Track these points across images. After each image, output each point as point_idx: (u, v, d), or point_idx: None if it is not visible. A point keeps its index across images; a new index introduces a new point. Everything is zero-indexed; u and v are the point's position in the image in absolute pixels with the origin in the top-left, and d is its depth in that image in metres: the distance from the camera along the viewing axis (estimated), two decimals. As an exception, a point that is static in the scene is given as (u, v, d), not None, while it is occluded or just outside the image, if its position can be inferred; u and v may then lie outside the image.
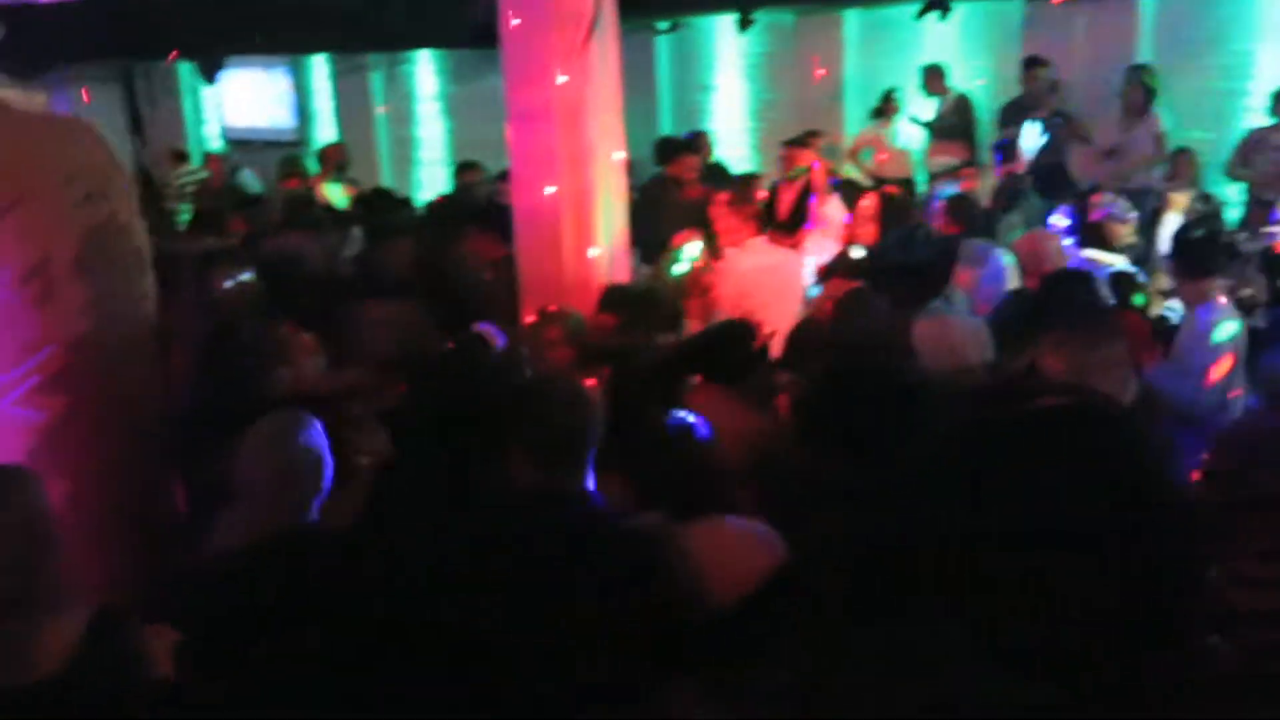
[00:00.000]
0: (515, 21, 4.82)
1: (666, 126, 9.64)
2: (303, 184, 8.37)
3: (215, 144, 12.03)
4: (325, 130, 11.45)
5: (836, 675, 1.34)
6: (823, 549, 2.11)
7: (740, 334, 3.78)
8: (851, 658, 1.34)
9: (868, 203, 5.92)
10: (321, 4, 8.19)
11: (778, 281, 5.16)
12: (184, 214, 8.87)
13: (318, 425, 2.92)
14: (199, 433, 3.36)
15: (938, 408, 2.53)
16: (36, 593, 2.30)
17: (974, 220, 5.81)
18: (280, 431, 2.87)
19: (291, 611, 2.07)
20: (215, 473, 3.03)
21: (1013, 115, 7.63)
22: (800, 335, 4.23)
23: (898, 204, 5.97)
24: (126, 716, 2.30)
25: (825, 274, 5.15)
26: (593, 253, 4.95)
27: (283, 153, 9.60)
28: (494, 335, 3.91)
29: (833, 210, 6.42)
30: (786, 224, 6.49)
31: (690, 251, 5.35)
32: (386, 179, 10.03)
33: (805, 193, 6.58)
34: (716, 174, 7.67)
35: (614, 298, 4.51)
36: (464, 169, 7.40)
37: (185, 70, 11.81)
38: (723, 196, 5.47)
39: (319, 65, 11.55)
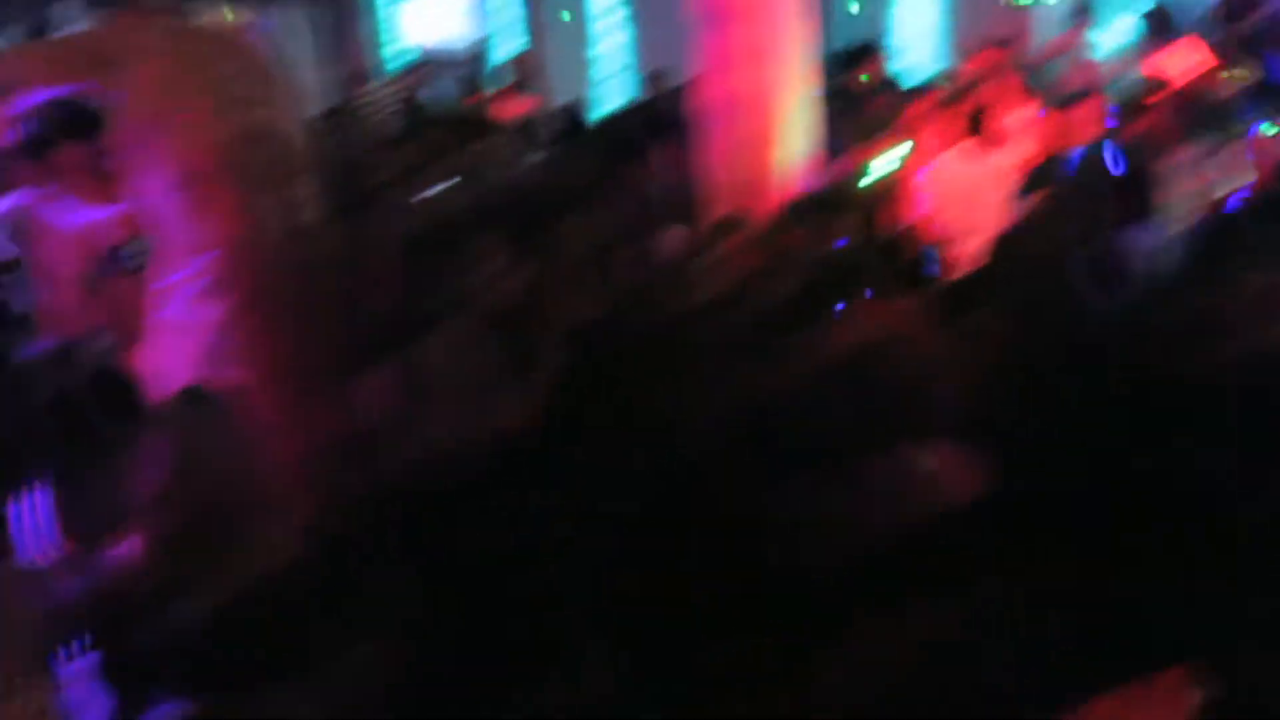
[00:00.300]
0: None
1: (842, 36, 9.29)
2: (485, 98, 8.41)
3: (400, 62, 12.25)
4: (508, 45, 11.50)
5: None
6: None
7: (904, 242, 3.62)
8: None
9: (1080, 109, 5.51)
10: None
11: (983, 189, 4.92)
12: (374, 130, 9.07)
13: (501, 335, 2.90)
14: (388, 336, 3.41)
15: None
16: (249, 498, 2.37)
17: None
18: (468, 337, 2.86)
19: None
20: (402, 374, 3.06)
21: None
22: (1005, 247, 3.99)
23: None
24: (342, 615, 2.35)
25: (1032, 183, 4.85)
26: (779, 158, 4.79)
27: (465, 69, 9.70)
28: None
29: (1028, 118, 6.05)
30: (985, 130, 6.14)
31: (887, 159, 5.13)
32: (569, 92, 9.99)
33: (1001, 100, 6.21)
34: (894, 85, 7.33)
35: (801, 205, 4.37)
36: (653, 78, 7.28)
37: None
38: (925, 100, 5.22)
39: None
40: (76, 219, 3.79)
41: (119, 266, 3.91)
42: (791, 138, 4.82)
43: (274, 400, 3.33)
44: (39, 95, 3.57)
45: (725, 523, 2.13)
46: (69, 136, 3.73)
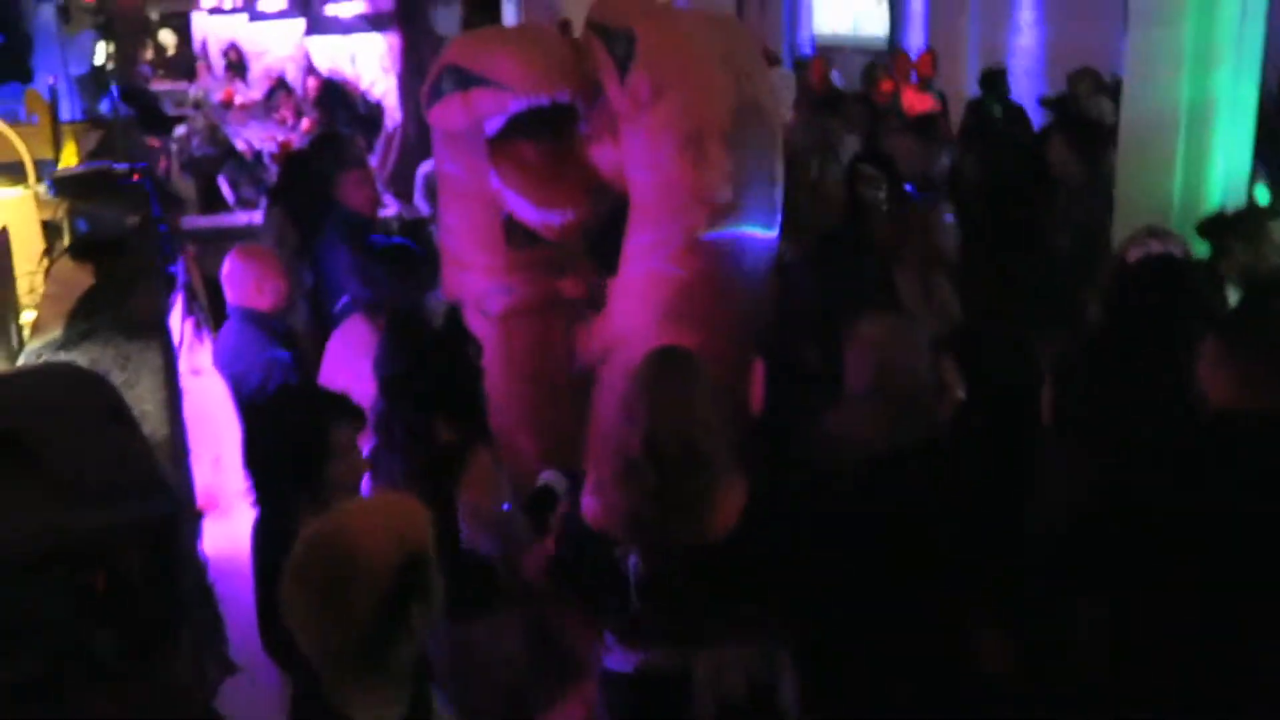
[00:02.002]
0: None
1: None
2: (891, 90, 8.36)
3: (804, 49, 12.37)
4: (915, 37, 11.32)
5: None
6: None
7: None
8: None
9: None
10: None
11: None
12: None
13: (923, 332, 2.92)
14: (804, 324, 3.52)
15: None
16: (720, 454, 2.55)
17: None
18: (896, 331, 2.89)
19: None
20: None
21: None
22: None
23: None
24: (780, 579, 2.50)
25: None
26: (1210, 173, 4.44)
27: (869, 59, 9.67)
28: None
29: None
30: None
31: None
32: (975, 88, 9.73)
33: None
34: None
35: (1215, 223, 4.05)
36: (1078, 77, 6.97)
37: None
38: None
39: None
40: (523, 213, 4.11)
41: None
42: (1226, 150, 4.45)
43: (728, 364, 3.44)
44: (525, 101, 3.94)
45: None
46: (533, 137, 4.08)
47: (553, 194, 4.06)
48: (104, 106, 9.00)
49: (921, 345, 2.87)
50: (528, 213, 4.09)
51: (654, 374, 2.62)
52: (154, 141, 8.53)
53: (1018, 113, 7.33)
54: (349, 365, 3.90)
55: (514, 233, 4.20)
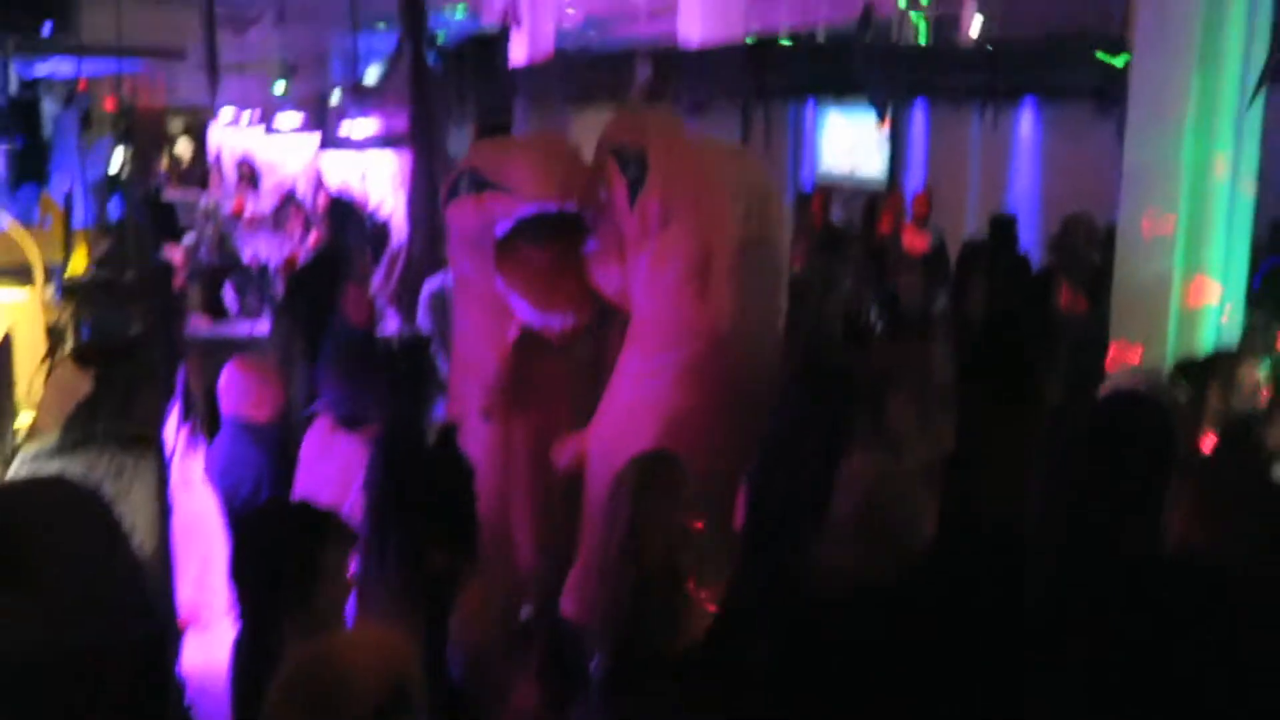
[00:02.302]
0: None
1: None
2: (889, 227, 8.52)
3: (807, 185, 12.64)
4: (914, 177, 11.58)
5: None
6: None
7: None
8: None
9: None
10: (944, 51, 8.32)
11: None
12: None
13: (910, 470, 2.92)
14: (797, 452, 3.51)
15: None
16: (696, 565, 2.54)
17: None
18: (886, 473, 2.89)
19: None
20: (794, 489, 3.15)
21: None
22: None
23: None
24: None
25: None
26: (1206, 302, 4.42)
27: (869, 196, 9.89)
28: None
29: None
30: None
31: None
32: (972, 227, 9.92)
33: None
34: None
35: (1188, 367, 4.09)
36: (1073, 222, 7.09)
37: (792, 112, 12.53)
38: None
39: (917, 112, 11.70)
40: (525, 315, 4.17)
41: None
42: (1223, 275, 4.44)
43: (714, 487, 3.41)
44: (533, 207, 4.01)
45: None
46: (538, 242, 4.16)
47: (555, 297, 4.12)
48: (114, 211, 9.13)
49: (908, 483, 2.87)
50: (530, 315, 4.15)
51: (638, 480, 2.65)
52: (177, 255, 8.63)
53: (1019, 255, 7.43)
54: (309, 470, 3.92)
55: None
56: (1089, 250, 6.27)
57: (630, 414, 3.80)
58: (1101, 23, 8.62)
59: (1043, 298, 5.45)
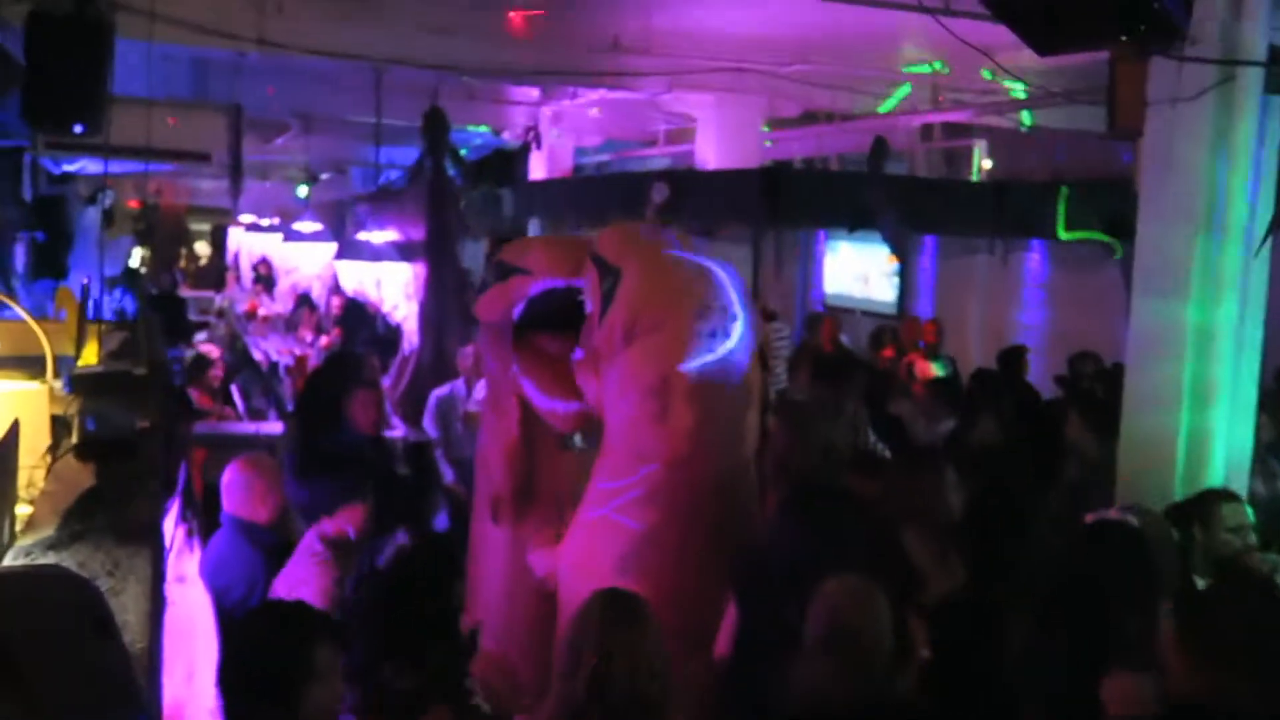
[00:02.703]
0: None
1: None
2: (897, 355, 8.57)
3: (815, 309, 12.76)
4: (921, 306, 11.68)
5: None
6: None
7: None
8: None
9: None
10: (962, 191, 8.55)
11: None
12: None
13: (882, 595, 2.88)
14: (772, 575, 3.46)
15: None
16: (665, 701, 2.49)
17: None
18: (856, 592, 2.85)
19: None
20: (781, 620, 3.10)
21: None
22: None
23: None
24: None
25: None
26: (1213, 455, 4.41)
27: (876, 323, 9.97)
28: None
29: None
30: None
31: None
32: (979, 359, 9.99)
33: None
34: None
35: (1176, 509, 4.04)
36: (1080, 359, 7.15)
37: (803, 238, 12.72)
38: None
39: (926, 244, 11.87)
40: (535, 399, 4.20)
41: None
42: (1226, 427, 4.44)
43: (680, 614, 3.38)
44: (543, 283, 4.10)
45: None
46: (549, 327, 4.23)
47: (561, 384, 4.13)
48: (127, 306, 9.22)
49: (880, 607, 2.84)
50: (538, 399, 4.20)
51: (600, 617, 2.60)
52: (213, 351, 8.62)
53: (1027, 387, 7.44)
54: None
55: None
56: (1096, 385, 6.29)
57: (595, 534, 3.78)
58: (1107, 167, 8.80)
59: (1049, 427, 5.43)
